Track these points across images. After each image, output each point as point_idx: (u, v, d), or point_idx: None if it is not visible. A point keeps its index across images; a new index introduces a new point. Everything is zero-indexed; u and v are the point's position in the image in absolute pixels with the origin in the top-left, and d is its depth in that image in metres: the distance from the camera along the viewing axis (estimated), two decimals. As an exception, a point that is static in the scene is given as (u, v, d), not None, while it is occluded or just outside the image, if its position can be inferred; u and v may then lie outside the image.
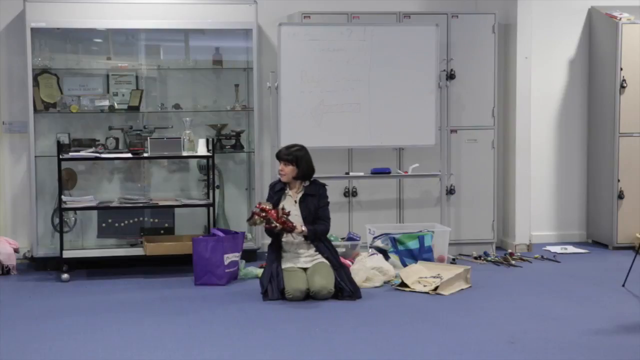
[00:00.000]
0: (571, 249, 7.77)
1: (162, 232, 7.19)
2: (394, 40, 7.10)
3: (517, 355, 4.69)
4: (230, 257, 6.46)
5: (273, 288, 5.89)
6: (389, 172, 7.26)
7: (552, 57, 8.03)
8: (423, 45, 7.10)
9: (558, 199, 8.17)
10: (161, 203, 7.02)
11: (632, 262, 6.28)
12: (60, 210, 6.68)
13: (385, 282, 6.37)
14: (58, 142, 6.79)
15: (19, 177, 7.27)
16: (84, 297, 6.07)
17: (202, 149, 6.86)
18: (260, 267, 6.60)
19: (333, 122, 7.05)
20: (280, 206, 6.01)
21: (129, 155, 6.80)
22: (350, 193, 7.42)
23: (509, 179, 7.77)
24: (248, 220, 6.14)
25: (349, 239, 7.11)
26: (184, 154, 6.83)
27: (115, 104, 7.18)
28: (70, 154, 6.80)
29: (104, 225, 7.13)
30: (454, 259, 7.17)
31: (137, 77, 7.33)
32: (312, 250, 6.11)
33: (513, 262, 7.17)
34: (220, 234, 6.58)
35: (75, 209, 6.99)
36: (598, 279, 6.59)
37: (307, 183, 6.19)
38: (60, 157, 6.61)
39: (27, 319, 5.47)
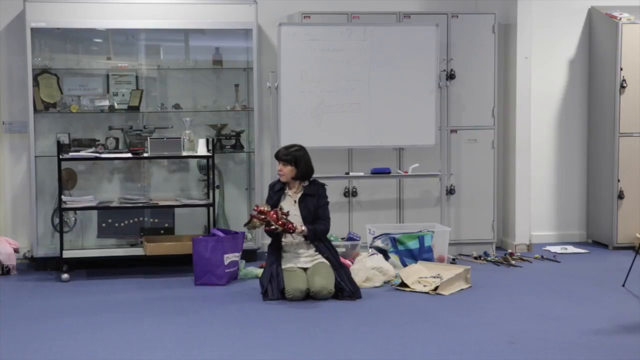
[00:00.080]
0: (571, 249, 7.77)
1: (162, 232, 7.19)
2: (394, 40, 7.10)
3: (517, 355, 4.69)
4: (230, 257, 6.46)
5: (273, 288, 5.89)
6: (389, 172, 7.26)
7: (552, 57, 8.03)
8: (423, 45, 7.10)
9: (558, 199, 8.18)
10: (161, 203, 7.02)
11: (632, 262, 6.28)
12: (60, 210, 6.68)
13: (385, 282, 6.37)
14: (58, 142, 6.79)
15: (19, 177, 7.27)
16: (84, 297, 6.07)
17: (202, 149, 6.86)
18: (260, 267, 6.59)
19: (333, 122, 7.05)
20: (279, 207, 6.01)
21: (129, 155, 6.80)
22: (350, 193, 7.42)
23: (509, 179, 7.77)
24: (246, 224, 6.13)
25: (349, 239, 7.11)
26: (184, 154, 6.83)
27: (115, 104, 7.18)
28: (70, 154, 6.80)
29: (104, 225, 7.13)
30: (454, 259, 7.17)
31: (137, 77, 7.33)
32: (312, 250, 6.11)
33: (513, 262, 7.17)
34: (220, 234, 6.58)
35: (75, 209, 6.99)
36: (598, 279, 6.59)
37: (306, 183, 6.19)
38: (60, 157, 6.61)
39: (27, 319, 5.47)
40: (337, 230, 7.02)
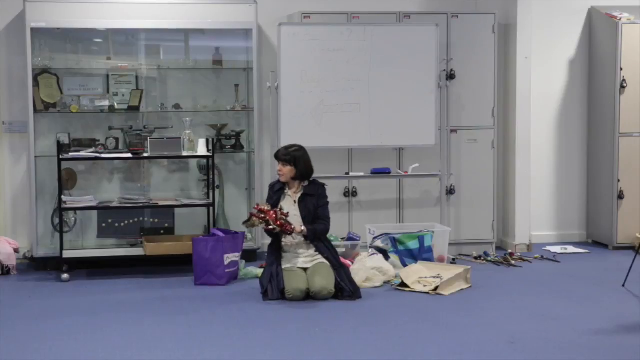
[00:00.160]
0: (571, 249, 7.77)
1: (162, 232, 7.19)
2: (394, 40, 7.09)
3: (517, 355, 4.69)
4: (230, 257, 6.46)
5: (273, 288, 5.89)
6: (389, 172, 7.26)
7: (552, 57, 8.03)
8: (423, 45, 7.10)
9: (558, 199, 8.17)
10: (161, 203, 7.02)
11: (632, 262, 6.28)
12: (60, 210, 6.68)
13: (385, 282, 6.37)
14: (58, 142, 6.79)
15: (19, 177, 7.27)
16: (84, 297, 6.07)
17: (202, 149, 6.86)
18: (260, 267, 6.59)
19: (333, 122, 7.05)
20: (279, 207, 6.01)
21: (129, 155, 6.80)
22: (350, 193, 7.42)
23: (509, 179, 7.77)
24: (245, 222, 6.13)
25: (349, 239, 7.10)
26: (184, 154, 6.83)
27: (115, 104, 7.18)
28: (70, 154, 6.80)
29: (104, 225, 7.13)
30: (454, 259, 7.17)
31: (137, 77, 7.33)
32: (312, 251, 6.11)
33: (513, 262, 7.17)
34: (220, 234, 6.58)
35: (75, 209, 6.99)
36: (598, 279, 6.59)
37: (306, 183, 6.19)
38: (60, 157, 6.61)
39: (27, 319, 5.47)
40: (337, 230, 7.02)
